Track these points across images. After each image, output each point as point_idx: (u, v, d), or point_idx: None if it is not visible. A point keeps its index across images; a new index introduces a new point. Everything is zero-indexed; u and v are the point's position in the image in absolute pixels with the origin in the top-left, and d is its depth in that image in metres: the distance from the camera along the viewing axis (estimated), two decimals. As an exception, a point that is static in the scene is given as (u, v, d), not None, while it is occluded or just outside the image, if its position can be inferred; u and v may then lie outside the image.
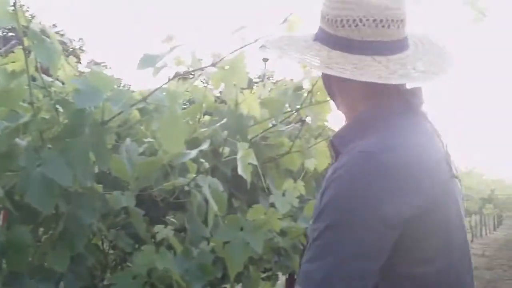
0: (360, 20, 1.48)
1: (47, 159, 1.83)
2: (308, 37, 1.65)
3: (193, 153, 2.18)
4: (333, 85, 1.69)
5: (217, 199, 2.25)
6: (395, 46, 1.54)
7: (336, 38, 1.53)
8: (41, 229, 2.11)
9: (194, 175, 2.24)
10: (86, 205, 2.00)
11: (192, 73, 2.43)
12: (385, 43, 1.52)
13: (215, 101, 2.82)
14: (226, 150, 2.45)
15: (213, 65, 2.21)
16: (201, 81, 2.74)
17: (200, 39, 2.66)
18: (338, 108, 1.75)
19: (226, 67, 2.26)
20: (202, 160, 2.33)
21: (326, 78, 1.70)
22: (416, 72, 1.52)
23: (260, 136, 2.74)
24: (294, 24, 2.47)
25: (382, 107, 1.57)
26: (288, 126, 2.83)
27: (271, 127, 2.71)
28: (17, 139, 1.92)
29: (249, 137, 2.62)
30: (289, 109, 2.75)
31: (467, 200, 10.62)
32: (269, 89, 3.26)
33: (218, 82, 2.39)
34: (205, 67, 2.27)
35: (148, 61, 2.00)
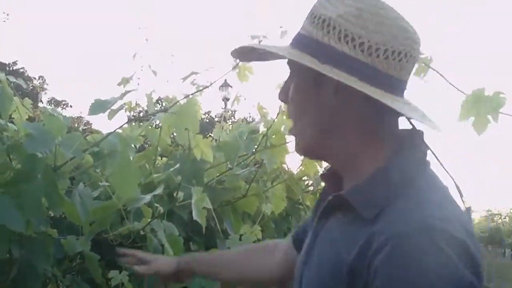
0: (405, 55, 1.30)
1: (-1, 204, 1.82)
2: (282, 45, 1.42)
3: (147, 197, 2.18)
4: (346, 122, 1.37)
5: (173, 243, 2.24)
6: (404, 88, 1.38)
7: (370, 69, 1.29)
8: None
9: (149, 220, 2.24)
10: (40, 250, 1.98)
11: (147, 117, 2.45)
12: (404, 83, 1.36)
13: (171, 144, 2.83)
14: (181, 194, 2.44)
15: (165, 110, 2.23)
16: (156, 124, 2.76)
17: (156, 80, 2.69)
18: (326, 153, 1.45)
19: (177, 112, 2.27)
20: (156, 204, 2.32)
21: (334, 111, 1.37)
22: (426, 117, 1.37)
23: (216, 180, 2.74)
24: (244, 71, 2.51)
25: (408, 159, 1.35)
26: (244, 170, 2.84)
27: (227, 171, 2.72)
28: (-32, 184, 1.90)
29: (205, 180, 2.63)
30: (244, 153, 2.76)
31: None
32: (228, 130, 3.28)
33: (170, 126, 2.40)
34: (157, 111, 2.28)
35: (99, 106, 2.01)
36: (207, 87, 2.33)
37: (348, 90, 1.28)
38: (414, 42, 1.32)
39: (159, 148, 2.62)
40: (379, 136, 1.37)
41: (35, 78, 42.23)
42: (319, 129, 1.40)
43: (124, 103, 2.27)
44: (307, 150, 1.49)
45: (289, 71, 1.47)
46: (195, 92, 2.31)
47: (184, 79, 2.41)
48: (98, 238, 2.24)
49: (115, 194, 2.17)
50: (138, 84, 2.62)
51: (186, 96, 2.29)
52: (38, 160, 1.87)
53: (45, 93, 43.48)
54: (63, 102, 44.32)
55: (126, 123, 2.16)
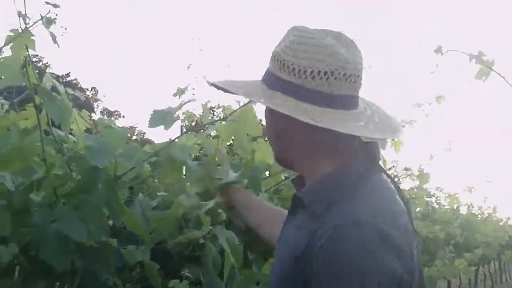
0: (332, 73, 1.48)
1: (61, 215, 1.85)
2: (258, 84, 1.63)
3: (210, 203, 2.19)
4: (294, 138, 1.62)
5: (233, 252, 2.24)
6: (357, 101, 1.57)
7: (303, 90, 1.50)
8: (57, 284, 2.11)
9: (210, 227, 2.24)
10: (101, 260, 2.00)
11: (203, 126, 2.45)
12: (351, 98, 1.54)
13: (227, 153, 2.83)
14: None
15: (224, 119, 2.23)
16: (212, 134, 2.76)
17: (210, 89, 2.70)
18: (290, 163, 1.74)
19: (236, 120, 2.28)
20: (220, 210, 2.32)
21: (284, 130, 1.64)
22: (379, 126, 1.57)
23: (273, 189, 2.73)
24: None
25: (354, 165, 1.57)
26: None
27: (284, 180, 2.71)
28: (31, 195, 1.93)
29: (263, 189, 2.63)
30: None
31: (485, 247, 10.49)
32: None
33: (229, 134, 2.40)
34: (215, 121, 2.29)
35: (158, 118, 2.03)
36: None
37: None
38: (346, 62, 1.50)
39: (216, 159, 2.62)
40: (327, 147, 1.59)
41: (87, 89, 42.87)
42: (278, 147, 1.72)
43: (182, 113, 2.28)
44: (278, 162, 1.82)
45: None
46: (246, 104, 2.31)
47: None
48: (157, 247, 2.25)
49: (174, 203, 2.18)
50: (193, 94, 2.64)
51: (245, 105, 2.29)
52: (98, 171, 1.89)
53: (97, 105, 44.08)
54: (116, 113, 44.88)
55: (185, 133, 2.17)
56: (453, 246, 7.55)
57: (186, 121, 2.61)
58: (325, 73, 1.48)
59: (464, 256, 6.99)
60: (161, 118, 2.03)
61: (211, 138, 2.75)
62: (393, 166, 4.70)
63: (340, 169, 1.56)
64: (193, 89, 2.64)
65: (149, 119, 2.04)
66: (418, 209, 6.62)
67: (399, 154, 3.35)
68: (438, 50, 3.20)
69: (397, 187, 1.62)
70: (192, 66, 2.83)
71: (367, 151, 1.62)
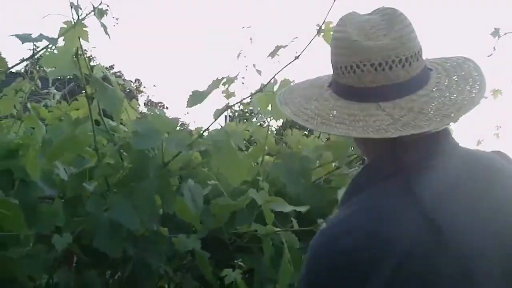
0: (358, 66, 1.36)
1: (114, 204, 1.87)
2: (326, 82, 1.53)
3: (289, 207, 2.21)
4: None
5: (292, 255, 2.22)
6: (403, 88, 1.38)
7: (340, 86, 1.43)
8: (108, 272, 2.13)
9: (276, 229, 2.23)
10: (152, 249, 2.02)
11: (250, 112, 2.44)
12: (390, 87, 1.37)
13: (276, 142, 2.82)
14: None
15: (260, 90, 2.21)
16: (262, 122, 2.74)
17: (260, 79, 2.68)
18: None
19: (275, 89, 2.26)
20: (294, 219, 2.30)
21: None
22: (424, 116, 1.33)
23: (324, 179, 2.71)
24: (329, 32, 2.45)
25: (372, 168, 1.45)
26: (352, 169, 2.79)
27: (334, 170, 2.68)
28: (83, 184, 1.95)
29: (313, 179, 2.61)
30: (353, 152, 2.72)
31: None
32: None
33: (265, 104, 2.36)
34: (254, 93, 2.26)
35: (196, 98, 2.03)
36: (296, 58, 2.29)
37: None
38: (353, 52, 1.38)
39: (266, 147, 2.61)
40: (368, 148, 1.48)
41: (131, 81, 43.21)
42: None
43: (222, 92, 2.28)
44: None
45: None
46: (285, 66, 2.27)
47: (272, 54, 2.38)
48: (209, 236, 2.24)
49: (246, 195, 2.17)
50: (243, 83, 2.63)
51: (276, 74, 2.26)
52: (149, 159, 1.90)
53: (141, 96, 44.43)
54: (159, 104, 45.15)
55: (224, 110, 2.15)
56: None
57: (230, 99, 2.58)
58: (351, 67, 1.37)
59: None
60: (199, 97, 2.04)
61: (260, 127, 2.74)
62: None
63: (362, 171, 1.46)
64: (243, 78, 2.63)
65: (187, 100, 2.05)
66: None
67: None
68: (495, 33, 3.08)
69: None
70: (242, 55, 2.80)
71: (395, 154, 1.40)
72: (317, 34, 2.40)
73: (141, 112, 2.52)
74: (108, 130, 2.04)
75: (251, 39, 2.82)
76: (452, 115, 1.33)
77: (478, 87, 1.41)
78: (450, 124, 1.35)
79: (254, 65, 2.65)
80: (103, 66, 2.20)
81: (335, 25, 1.47)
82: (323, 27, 2.38)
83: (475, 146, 4.66)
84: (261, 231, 2.22)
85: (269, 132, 2.65)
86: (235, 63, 2.80)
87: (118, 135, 2.14)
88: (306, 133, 3.71)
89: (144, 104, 43.47)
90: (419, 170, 1.34)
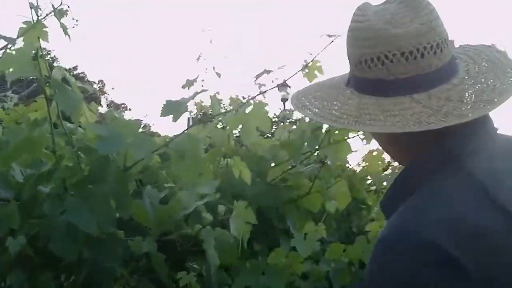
0: (386, 57, 1.27)
1: (71, 206, 1.85)
2: (342, 82, 1.45)
3: (199, 204, 2.19)
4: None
5: (226, 251, 2.24)
6: (436, 77, 1.30)
7: (365, 81, 1.34)
8: (63, 275, 2.12)
9: (200, 226, 2.24)
10: (108, 251, 2.01)
11: (212, 118, 2.46)
12: (423, 76, 1.29)
13: (235, 144, 2.83)
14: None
15: (235, 110, 2.24)
16: (220, 124, 2.76)
17: (220, 81, 2.69)
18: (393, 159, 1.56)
19: (248, 113, 2.28)
20: (204, 214, 2.30)
21: None
22: (465, 104, 1.27)
23: (280, 178, 2.73)
24: (314, 71, 2.49)
25: (419, 164, 1.36)
26: (307, 167, 2.82)
27: (290, 168, 2.71)
28: (40, 187, 1.94)
29: (269, 179, 2.63)
30: (308, 150, 2.74)
31: None
32: (289, 130, 3.27)
33: (236, 125, 2.39)
34: (224, 112, 2.29)
35: (171, 108, 2.03)
36: (282, 84, 2.33)
37: None
38: (381, 42, 1.30)
39: (223, 149, 2.63)
40: (410, 144, 1.38)
41: (94, 82, 42.87)
42: None
43: (194, 104, 2.29)
44: None
45: None
46: (263, 92, 2.31)
47: (258, 77, 2.41)
48: (162, 239, 2.25)
49: (175, 197, 2.18)
50: (202, 86, 2.64)
51: (253, 97, 2.29)
52: (108, 162, 1.90)
53: (105, 98, 44.12)
54: (122, 105, 44.91)
55: (193, 125, 2.18)
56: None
57: (195, 113, 2.61)
58: (378, 58, 1.29)
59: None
60: (173, 108, 2.03)
61: (220, 129, 2.76)
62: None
63: (407, 168, 1.40)
64: (202, 80, 2.64)
65: (161, 109, 2.04)
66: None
67: None
68: None
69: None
70: (202, 57, 2.81)
71: (441, 144, 1.33)
72: (301, 70, 2.44)
73: (101, 114, 2.51)
74: (67, 132, 2.03)
75: (211, 41, 2.83)
76: (496, 100, 1.27)
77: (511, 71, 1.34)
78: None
79: (213, 68, 2.67)
80: (64, 67, 2.20)
81: (353, 15, 1.36)
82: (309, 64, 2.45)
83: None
84: (192, 230, 2.24)
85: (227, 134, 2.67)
86: (198, 65, 2.79)
87: (77, 137, 2.13)
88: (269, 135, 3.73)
89: (107, 105, 43.18)
90: (471, 155, 1.29)
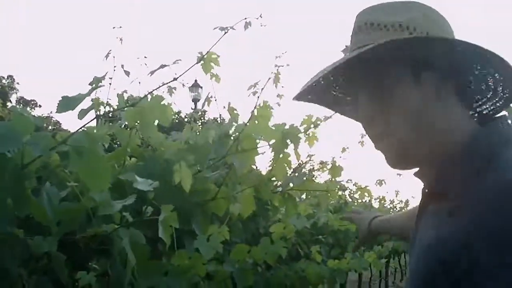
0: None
1: (-34, 206, 1.81)
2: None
3: (118, 206, 2.16)
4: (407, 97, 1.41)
5: (139, 251, 2.23)
6: None
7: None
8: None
9: (116, 226, 2.22)
10: (6, 251, 1.96)
11: (114, 114, 2.44)
12: None
13: (141, 145, 2.82)
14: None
15: (132, 105, 2.22)
16: (126, 125, 2.74)
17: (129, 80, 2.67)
18: (393, 138, 1.44)
19: (143, 107, 2.26)
20: (124, 213, 2.28)
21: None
22: None
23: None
24: (209, 63, 2.51)
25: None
26: (214, 173, 2.82)
27: (196, 173, 2.71)
28: None
29: (175, 182, 2.63)
30: (214, 156, 2.75)
31: (396, 240, 10.74)
32: (197, 131, 3.28)
33: (134, 120, 2.37)
34: (123, 107, 2.27)
35: (67, 103, 2.00)
36: (174, 79, 2.32)
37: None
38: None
39: (128, 149, 2.60)
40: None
41: (3, 78, 41.87)
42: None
43: (91, 100, 2.26)
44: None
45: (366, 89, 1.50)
46: (160, 86, 2.30)
47: (152, 72, 2.39)
48: (66, 239, 2.22)
49: (85, 196, 2.15)
50: (110, 84, 2.61)
51: (152, 91, 2.28)
52: (6, 160, 1.85)
53: (15, 93, 43.15)
54: (32, 102, 44.01)
55: (92, 120, 2.14)
56: (365, 240, 7.70)
57: (100, 109, 2.57)
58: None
59: (373, 249, 7.13)
60: (70, 103, 2.00)
61: (126, 129, 2.73)
62: (310, 160, 4.74)
63: (475, 135, 1.39)
64: (110, 78, 2.61)
65: (57, 105, 2.01)
66: (332, 202, 6.76)
67: (316, 148, 3.31)
68: None
69: None
70: (111, 55, 2.77)
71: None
72: (198, 61, 2.45)
73: (9, 111, 2.46)
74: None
75: (121, 39, 2.80)
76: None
77: None
78: None
79: (122, 66, 2.65)
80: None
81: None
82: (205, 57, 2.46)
83: (340, 154, 4.79)
84: (105, 228, 2.22)
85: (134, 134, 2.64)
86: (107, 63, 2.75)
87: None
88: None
89: (16, 101, 42.18)
90: None
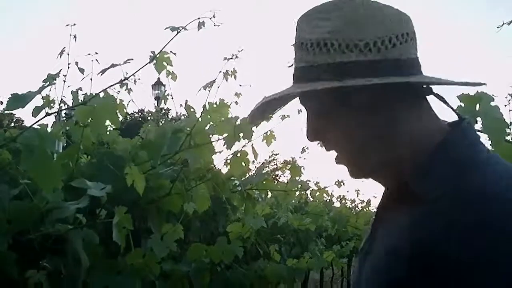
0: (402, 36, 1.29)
1: None
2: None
3: (72, 209, 2.14)
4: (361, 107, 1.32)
5: (92, 251, 2.21)
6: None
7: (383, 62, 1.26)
8: None
9: (70, 227, 2.19)
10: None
11: (69, 112, 2.42)
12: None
13: (95, 142, 2.79)
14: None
15: (84, 103, 2.20)
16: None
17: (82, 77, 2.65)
18: (354, 149, 1.38)
19: (94, 105, 2.25)
20: (78, 215, 2.26)
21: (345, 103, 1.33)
22: None
23: (140, 178, 2.71)
24: (162, 62, 2.51)
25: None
26: (168, 169, 2.81)
27: (150, 169, 2.69)
28: None
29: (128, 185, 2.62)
30: (168, 152, 2.73)
31: (357, 240, 10.78)
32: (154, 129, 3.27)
33: (85, 118, 2.35)
34: (75, 106, 2.26)
35: (17, 100, 1.98)
36: (125, 79, 2.32)
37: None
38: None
39: (81, 146, 2.58)
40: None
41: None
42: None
43: (42, 98, 2.23)
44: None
45: (309, 108, 1.44)
46: (112, 85, 2.30)
47: (103, 72, 2.38)
48: (18, 237, 2.19)
49: (37, 195, 2.13)
50: (64, 81, 2.59)
51: (104, 89, 2.27)
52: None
53: (-24, 90, 42.60)
54: (-6, 99, 43.49)
55: (44, 117, 2.12)
56: (325, 239, 7.71)
57: (50, 106, 2.54)
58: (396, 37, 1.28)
59: (332, 249, 7.13)
60: (20, 100, 1.98)
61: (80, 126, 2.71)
62: (274, 159, 4.76)
63: (453, 136, 1.32)
64: (64, 75, 2.58)
65: (6, 102, 1.98)
66: (293, 201, 6.77)
67: (277, 147, 3.32)
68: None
69: None
70: (65, 52, 2.74)
71: None
72: (150, 60, 2.45)
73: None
74: None
75: (75, 36, 2.77)
76: None
77: None
78: None
79: (76, 63, 2.63)
80: None
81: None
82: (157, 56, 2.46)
83: (300, 154, 4.78)
84: (58, 229, 2.20)
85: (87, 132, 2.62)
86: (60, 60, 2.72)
87: None
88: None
89: (-22, 98, 41.68)
90: None
